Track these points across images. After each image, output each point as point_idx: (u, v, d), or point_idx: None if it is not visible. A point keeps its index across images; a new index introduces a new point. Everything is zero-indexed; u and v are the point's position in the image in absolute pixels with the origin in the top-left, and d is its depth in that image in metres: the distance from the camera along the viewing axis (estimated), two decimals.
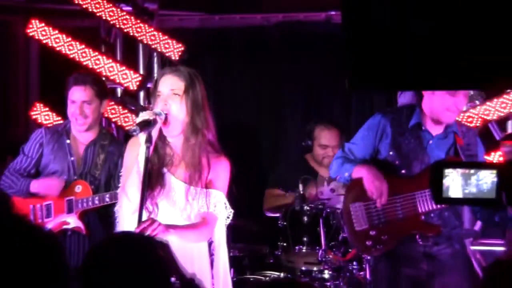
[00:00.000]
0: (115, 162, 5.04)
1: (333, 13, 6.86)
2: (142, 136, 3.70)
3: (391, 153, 4.57)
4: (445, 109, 4.45)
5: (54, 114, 6.69)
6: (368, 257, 4.86)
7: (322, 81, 7.03)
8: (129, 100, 6.80)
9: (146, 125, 3.69)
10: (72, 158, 5.07)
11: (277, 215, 5.69)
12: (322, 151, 6.15)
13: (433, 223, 4.50)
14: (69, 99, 5.04)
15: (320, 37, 6.98)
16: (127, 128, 6.49)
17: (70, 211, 4.99)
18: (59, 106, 6.52)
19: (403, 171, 4.55)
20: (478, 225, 6.13)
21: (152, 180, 3.79)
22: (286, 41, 7.08)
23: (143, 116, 3.71)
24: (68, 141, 5.09)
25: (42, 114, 6.73)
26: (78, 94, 5.00)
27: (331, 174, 4.84)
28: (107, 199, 4.91)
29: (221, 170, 3.93)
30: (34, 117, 6.74)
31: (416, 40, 2.10)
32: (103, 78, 5.95)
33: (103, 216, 4.99)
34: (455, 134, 4.54)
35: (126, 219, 3.83)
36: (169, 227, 3.71)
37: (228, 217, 3.91)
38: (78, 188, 5.02)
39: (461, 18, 2.07)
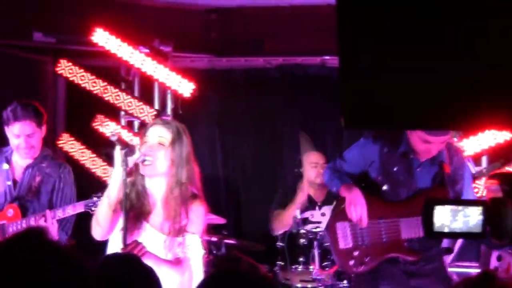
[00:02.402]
0: (53, 183, 4.88)
1: (327, 57, 7.04)
2: (117, 150, 3.65)
3: (379, 177, 4.44)
4: (422, 150, 4.37)
5: (79, 143, 6.84)
6: None
7: (316, 117, 7.15)
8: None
9: (125, 143, 3.71)
10: (9, 183, 4.89)
11: (281, 232, 5.81)
12: (313, 170, 6.15)
13: (415, 248, 4.39)
14: (12, 133, 4.82)
15: (315, 78, 7.13)
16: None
17: (3, 235, 4.76)
18: (83, 136, 6.81)
19: (390, 196, 4.42)
20: (458, 243, 6.16)
21: (129, 226, 3.70)
22: (286, 81, 7.25)
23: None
24: (6, 167, 4.91)
25: (68, 143, 6.86)
26: (21, 129, 4.79)
27: (324, 179, 4.72)
28: (32, 222, 4.70)
29: (196, 215, 3.82)
30: (60, 145, 6.86)
31: (405, 83, 2.11)
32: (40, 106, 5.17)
33: None
34: (442, 163, 4.39)
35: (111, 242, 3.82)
36: (149, 252, 3.66)
37: (202, 256, 3.86)
38: (10, 212, 4.84)
39: (446, 64, 2.08)
